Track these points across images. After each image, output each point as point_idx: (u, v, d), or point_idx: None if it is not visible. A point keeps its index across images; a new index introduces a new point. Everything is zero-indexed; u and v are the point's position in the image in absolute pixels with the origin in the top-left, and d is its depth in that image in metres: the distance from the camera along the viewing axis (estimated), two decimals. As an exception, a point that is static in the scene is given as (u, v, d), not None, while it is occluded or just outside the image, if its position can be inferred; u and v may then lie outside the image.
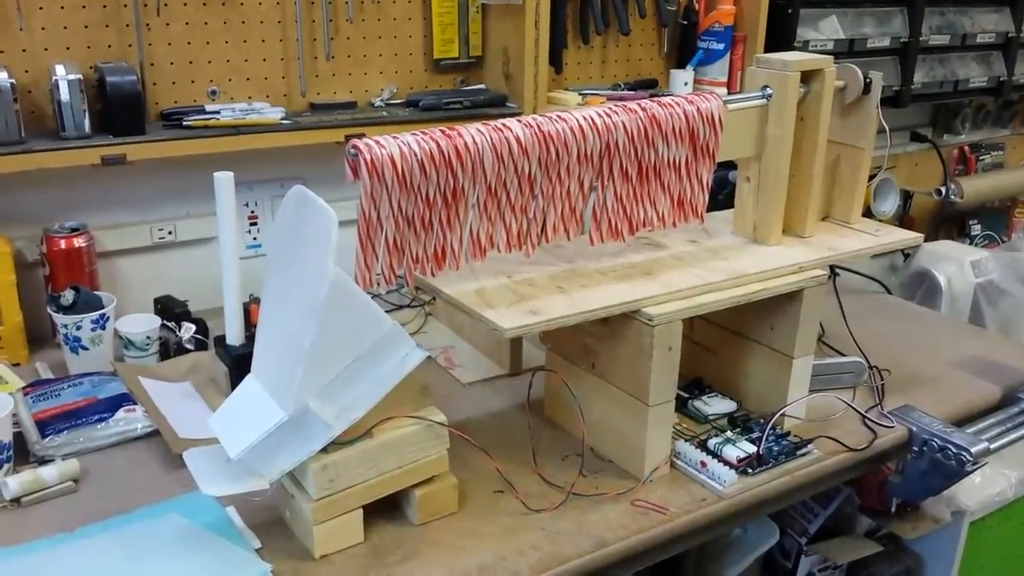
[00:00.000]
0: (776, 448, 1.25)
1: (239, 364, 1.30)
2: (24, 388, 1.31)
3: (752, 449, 1.22)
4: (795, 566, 1.86)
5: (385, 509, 1.08)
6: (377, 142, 1.05)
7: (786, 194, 1.36)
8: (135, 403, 1.28)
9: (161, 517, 1.06)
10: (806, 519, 1.85)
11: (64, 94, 1.44)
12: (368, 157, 1.04)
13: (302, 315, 0.97)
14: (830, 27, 2.26)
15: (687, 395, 1.34)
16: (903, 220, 2.74)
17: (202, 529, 1.04)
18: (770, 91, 1.30)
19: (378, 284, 1.11)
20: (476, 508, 1.13)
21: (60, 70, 1.45)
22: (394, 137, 1.07)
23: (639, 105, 1.21)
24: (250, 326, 1.37)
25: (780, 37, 2.15)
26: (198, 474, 0.99)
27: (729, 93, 1.60)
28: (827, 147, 1.36)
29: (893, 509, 1.73)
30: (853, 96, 1.41)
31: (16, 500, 1.10)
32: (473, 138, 1.10)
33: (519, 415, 1.36)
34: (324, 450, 1.00)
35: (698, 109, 1.25)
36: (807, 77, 1.32)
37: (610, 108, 1.19)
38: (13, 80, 1.40)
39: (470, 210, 1.13)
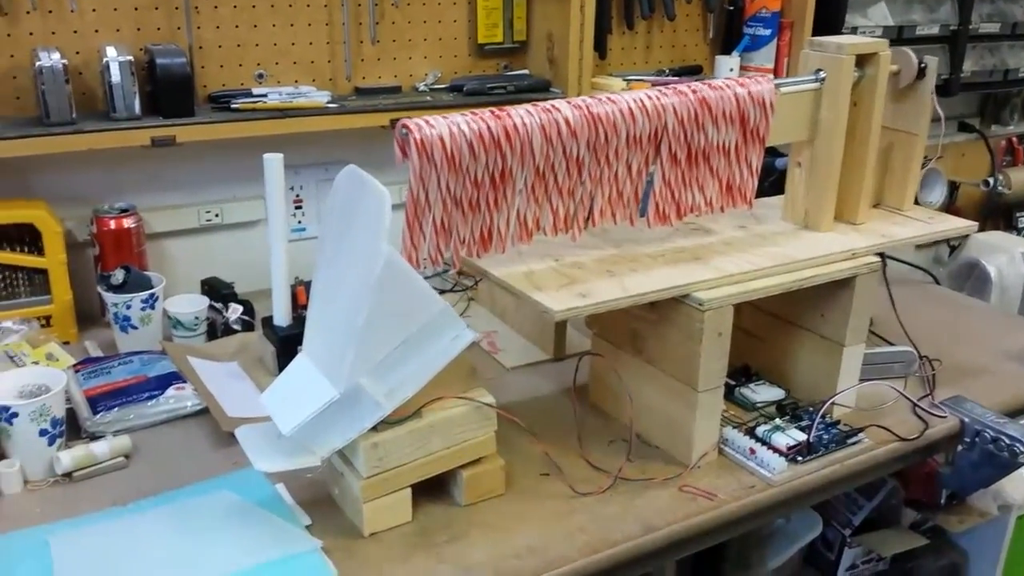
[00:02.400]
0: (826, 436, 1.23)
1: (286, 344, 1.31)
2: (75, 365, 1.32)
3: (802, 437, 1.21)
4: (838, 558, 1.83)
5: (432, 490, 1.08)
6: (427, 122, 1.05)
7: (838, 180, 1.33)
8: (184, 381, 1.30)
9: (212, 493, 1.07)
10: (850, 510, 1.82)
11: (115, 75, 1.45)
12: (418, 137, 1.04)
13: (354, 294, 0.97)
14: (879, 13, 2.22)
15: (734, 382, 1.32)
16: (949, 211, 2.67)
17: (253, 505, 1.05)
18: (823, 74, 1.28)
19: (424, 266, 1.10)
20: (523, 491, 1.13)
21: (111, 51, 1.46)
22: (444, 117, 1.06)
23: (689, 87, 1.20)
24: (297, 307, 1.38)
25: (828, 23, 2.11)
26: (250, 450, 1.00)
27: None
28: (880, 133, 1.34)
29: (943, 501, 1.70)
30: (907, 81, 1.39)
31: (68, 475, 1.11)
32: (523, 119, 1.09)
33: (564, 400, 1.35)
34: (374, 429, 1.00)
35: (749, 92, 1.23)
36: (861, 61, 1.29)
37: (660, 90, 1.18)
38: (65, 61, 1.42)
39: (517, 192, 1.13)
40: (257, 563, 0.95)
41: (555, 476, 1.15)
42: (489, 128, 1.07)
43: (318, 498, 1.08)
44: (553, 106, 1.11)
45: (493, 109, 1.09)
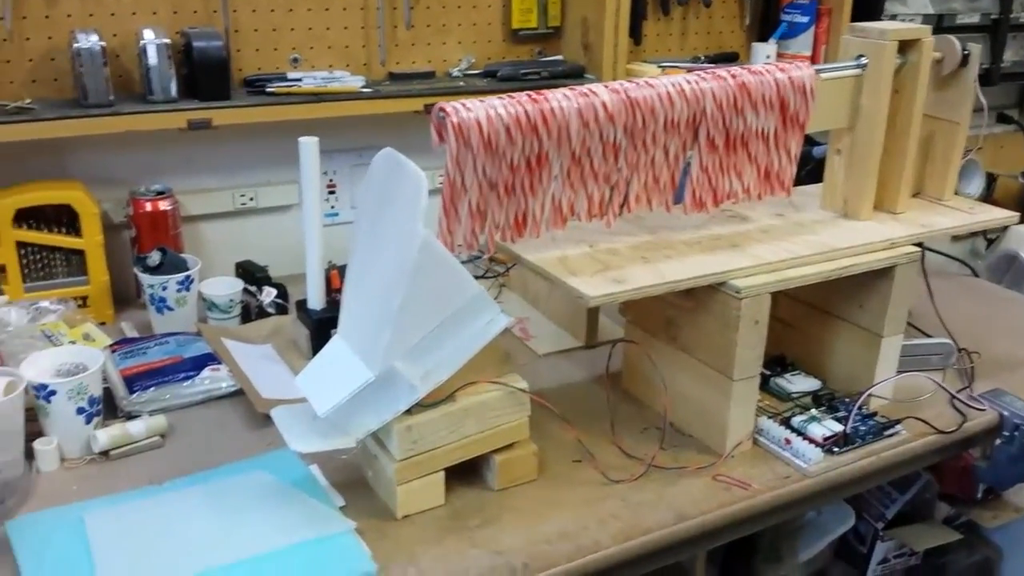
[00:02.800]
0: (863, 428, 1.22)
1: (320, 328, 1.32)
2: (111, 346, 1.33)
3: (838, 428, 1.19)
4: (870, 551, 1.81)
5: (465, 474, 1.08)
6: (464, 106, 1.04)
7: (878, 168, 1.31)
8: (219, 363, 1.30)
9: (247, 473, 1.08)
10: (883, 504, 1.80)
11: (152, 58, 1.46)
12: (455, 120, 1.03)
13: (390, 276, 0.97)
14: (918, 1, 2.19)
15: (769, 372, 1.31)
16: (987, 203, 2.64)
17: (288, 485, 1.05)
18: (865, 60, 1.26)
19: (459, 251, 1.10)
20: (555, 476, 1.12)
21: (148, 34, 1.47)
22: (481, 101, 1.06)
23: (728, 72, 1.18)
24: (331, 291, 1.39)
25: (866, 10, 2.08)
26: (286, 431, 1.00)
27: (818, 64, 1.55)
28: (921, 121, 1.32)
29: (979, 495, 1.67)
30: (950, 69, 1.36)
31: (105, 453, 1.12)
32: (560, 103, 1.08)
33: (596, 387, 1.34)
34: (408, 411, 1.00)
35: (789, 77, 1.21)
36: (904, 47, 1.27)
37: (699, 74, 1.16)
38: (103, 43, 1.43)
39: (553, 177, 1.12)
40: (291, 543, 0.96)
41: (587, 463, 1.15)
42: (526, 112, 1.06)
43: (351, 480, 1.08)
44: (590, 90, 1.10)
45: (530, 93, 1.08)
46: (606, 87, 1.11)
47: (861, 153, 1.30)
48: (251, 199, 1.72)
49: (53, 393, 1.08)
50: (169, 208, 1.55)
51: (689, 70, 1.95)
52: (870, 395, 1.26)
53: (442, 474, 1.05)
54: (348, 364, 1.00)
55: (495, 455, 1.08)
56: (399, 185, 1.00)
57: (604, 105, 1.10)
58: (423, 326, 0.99)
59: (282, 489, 1.04)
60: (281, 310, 1.50)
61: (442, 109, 1.04)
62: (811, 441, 1.18)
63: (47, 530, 0.97)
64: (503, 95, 1.07)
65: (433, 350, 1.00)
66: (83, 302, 1.48)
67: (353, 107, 1.62)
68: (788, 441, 1.18)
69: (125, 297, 1.56)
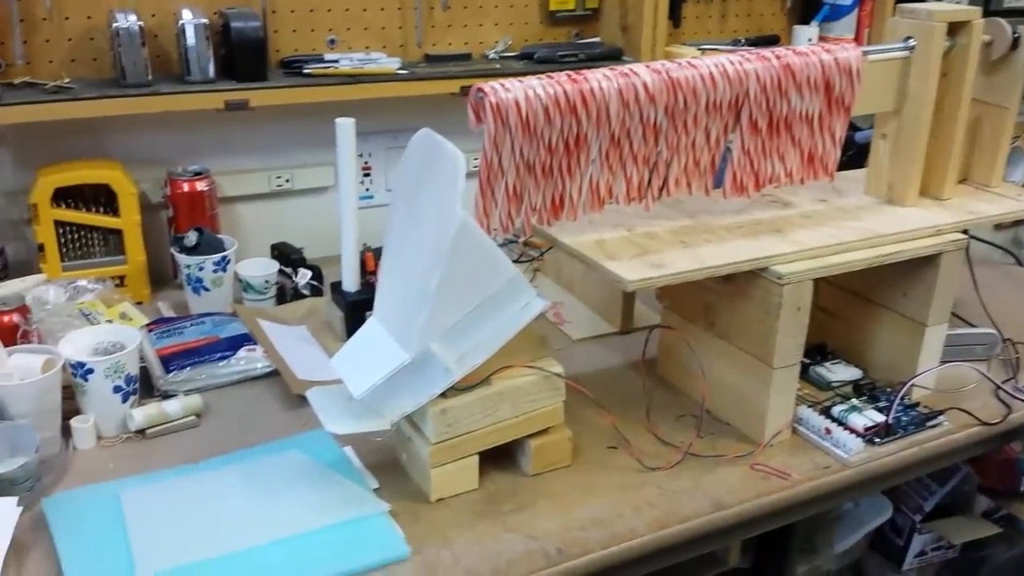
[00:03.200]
0: (905, 418, 1.19)
1: (355, 309, 1.31)
2: (148, 325, 1.34)
3: (880, 418, 1.17)
4: (907, 543, 1.79)
5: (499, 458, 1.07)
6: (503, 85, 1.03)
7: (924, 153, 1.28)
8: (255, 343, 1.30)
9: (282, 453, 1.08)
10: (921, 496, 1.78)
11: (190, 38, 1.46)
12: (493, 100, 1.01)
13: (427, 258, 0.96)
14: (967, -17, 2.13)
15: (809, 361, 1.28)
16: (1034, 192, 2.58)
17: (322, 467, 1.05)
18: (913, 42, 1.23)
19: (495, 233, 1.09)
20: (590, 462, 1.11)
21: (187, 14, 1.47)
22: (519, 81, 1.04)
23: (773, 52, 1.15)
24: (365, 274, 1.38)
25: (913, -7, 2.03)
26: (321, 412, 1.00)
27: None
28: (970, 105, 1.28)
29: (1022, 488, 1.64)
30: (1000, 52, 1.32)
31: (141, 431, 1.13)
32: (600, 83, 1.06)
33: (631, 373, 1.33)
34: (443, 395, 0.99)
35: (835, 59, 1.18)
36: (953, 29, 1.23)
37: (743, 55, 1.14)
38: (141, 23, 1.43)
39: (591, 159, 1.10)
40: (325, 524, 0.96)
41: (623, 449, 1.13)
42: (565, 92, 1.04)
43: (385, 462, 1.08)
44: (631, 70, 1.08)
45: (569, 73, 1.06)
46: (647, 67, 1.09)
47: (907, 137, 1.27)
48: (287, 181, 1.72)
49: (90, 371, 1.09)
50: (206, 189, 1.55)
51: (730, 52, 1.93)
52: (912, 385, 1.23)
53: (476, 458, 1.04)
54: (383, 346, 1.00)
55: (530, 440, 1.07)
56: (436, 166, 0.99)
57: (645, 85, 1.08)
58: (459, 309, 0.98)
59: (317, 470, 1.04)
60: (316, 292, 1.50)
61: (480, 89, 1.02)
62: (852, 431, 1.15)
63: (83, 507, 0.98)
64: (542, 75, 1.06)
65: (469, 333, 0.99)
66: (120, 281, 1.48)
67: (389, 89, 1.61)
68: (828, 431, 1.15)
69: (162, 277, 1.57)
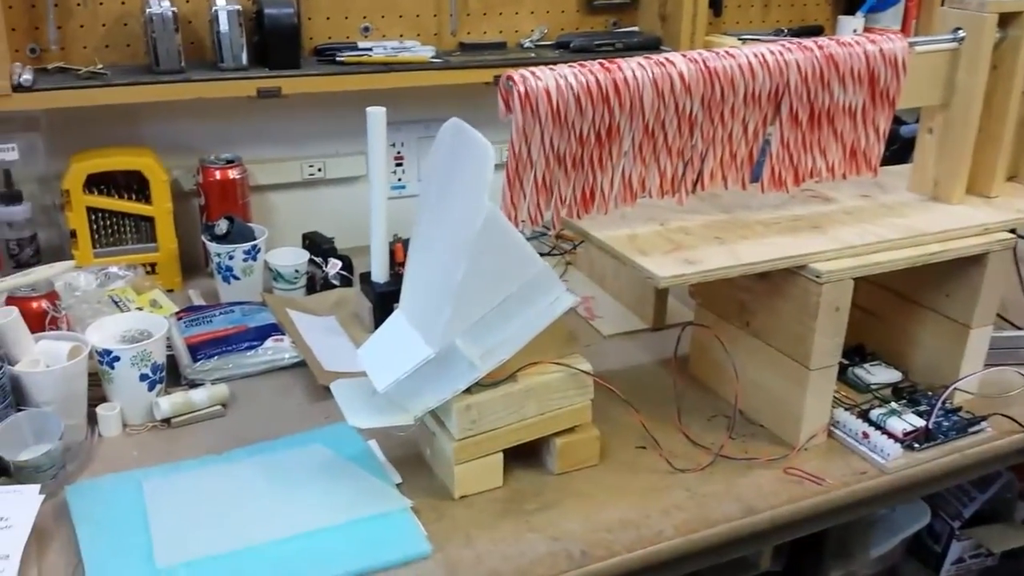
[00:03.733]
0: (946, 423, 1.15)
1: (383, 301, 1.30)
2: (177, 313, 1.34)
3: (920, 423, 1.13)
4: (945, 550, 1.75)
5: (525, 456, 1.05)
6: (533, 74, 1.00)
7: (972, 149, 1.23)
8: (283, 333, 1.30)
9: (306, 446, 1.07)
10: (961, 502, 1.73)
11: (223, 25, 1.45)
12: (523, 89, 0.99)
13: (454, 250, 0.94)
14: (1021, -27, 2.06)
15: (847, 362, 1.25)
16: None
17: (345, 461, 1.04)
18: (963, 34, 1.18)
19: (523, 226, 1.06)
20: (617, 462, 1.09)
21: (220, 0, 1.46)
22: (551, 69, 1.01)
23: (815, 43, 1.12)
24: (395, 264, 1.37)
25: (964, -18, 1.96)
26: (345, 405, 0.99)
27: (911, 37, 1.47)
28: (1021, 100, 1.23)
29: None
30: (1055, 43, 1.27)
31: (167, 420, 1.12)
32: (633, 72, 1.03)
33: (662, 371, 1.30)
34: (468, 390, 0.97)
35: (881, 50, 1.14)
36: (1005, 20, 1.18)
37: (784, 45, 1.10)
38: (175, 9, 1.42)
39: (624, 151, 1.07)
40: (347, 520, 0.94)
41: (652, 449, 1.11)
42: (598, 81, 1.01)
43: (409, 457, 1.07)
44: (667, 59, 1.05)
45: (603, 61, 1.03)
46: (684, 56, 1.06)
47: (955, 132, 1.22)
48: (319, 170, 1.71)
49: (117, 359, 1.09)
50: (238, 177, 1.54)
51: (770, 43, 1.88)
52: (954, 389, 1.19)
53: (501, 455, 1.02)
54: (408, 340, 0.98)
55: (556, 438, 1.05)
56: (465, 156, 0.97)
57: (681, 75, 1.05)
58: (486, 303, 0.96)
59: (339, 464, 1.03)
60: (346, 282, 1.49)
61: (510, 77, 1.00)
62: (890, 436, 1.12)
63: (105, 496, 0.97)
64: (574, 64, 1.03)
65: (495, 328, 0.97)
66: (151, 269, 1.49)
67: (422, 77, 1.59)
68: (866, 435, 1.12)
69: (193, 265, 1.57)
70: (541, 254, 1.64)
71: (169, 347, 1.21)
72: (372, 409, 0.98)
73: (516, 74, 0.99)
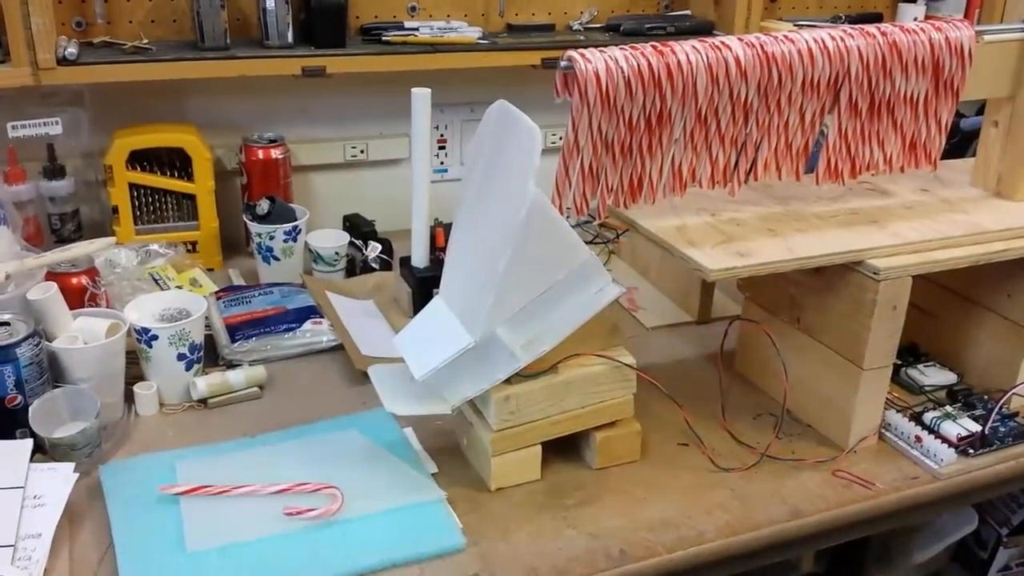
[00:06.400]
0: (1003, 429, 1.11)
1: (423, 286, 1.28)
2: (217, 292, 1.33)
3: (975, 428, 1.09)
4: (991, 557, 1.69)
5: (564, 450, 1.02)
6: (583, 56, 0.97)
7: (1040, 144, 1.18)
8: (321, 316, 1.28)
9: (341, 431, 1.05)
10: (1010, 508, 1.68)
11: (270, 2, 1.44)
12: (573, 71, 0.96)
13: (497, 237, 0.91)
14: (1094, -40, 1.98)
15: (900, 362, 1.20)
16: None
17: (381, 448, 1.02)
18: (1035, 22, 1.13)
19: (569, 214, 1.03)
20: (659, 459, 1.06)
21: (267, -22, 1.44)
22: (601, 51, 0.98)
23: (878, 29, 1.07)
24: (435, 249, 1.34)
25: (1033, -31, 1.89)
26: (382, 391, 0.97)
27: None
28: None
29: None
30: None
31: (203, 401, 1.11)
32: (687, 56, 0.99)
33: (707, 366, 1.26)
34: (508, 381, 0.95)
35: (946, 38, 1.09)
36: (1081, 8, 1.13)
37: (845, 30, 1.06)
38: (222, -15, 1.41)
39: (674, 138, 1.04)
40: (380, 509, 0.92)
41: (695, 447, 1.08)
42: (650, 64, 0.98)
43: (446, 446, 1.05)
44: (723, 43, 1.01)
45: (656, 44, 1.00)
46: (741, 40, 1.02)
47: (1022, 126, 1.17)
48: (362, 151, 1.69)
49: (155, 338, 1.08)
50: (280, 156, 1.53)
51: (830, 28, 1.83)
52: (1013, 394, 1.14)
53: (539, 448, 0.99)
54: (448, 327, 0.96)
55: (596, 432, 1.02)
56: (512, 140, 0.94)
57: (737, 59, 1.01)
58: (528, 292, 0.93)
59: (375, 451, 1.01)
60: (385, 266, 1.47)
61: (570, 58, 0.96)
62: (944, 440, 1.07)
63: (139, 477, 0.96)
64: (625, 46, 0.99)
65: (538, 317, 0.94)
66: (192, 247, 1.48)
67: (469, 59, 1.56)
68: (919, 439, 1.08)
69: (234, 244, 1.56)
70: (584, 243, 1.63)
71: (208, 327, 1.20)
72: (410, 396, 0.96)
73: (575, 53, 0.96)
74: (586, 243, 1.59)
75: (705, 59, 1.00)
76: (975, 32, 1.11)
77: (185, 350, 1.10)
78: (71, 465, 0.93)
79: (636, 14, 1.76)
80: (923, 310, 1.25)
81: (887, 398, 1.11)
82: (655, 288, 1.50)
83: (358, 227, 1.52)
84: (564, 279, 0.94)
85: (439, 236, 1.37)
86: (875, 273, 1.01)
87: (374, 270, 1.46)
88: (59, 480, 0.90)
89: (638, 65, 0.97)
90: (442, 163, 1.76)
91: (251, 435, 1.05)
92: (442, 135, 1.75)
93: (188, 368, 1.11)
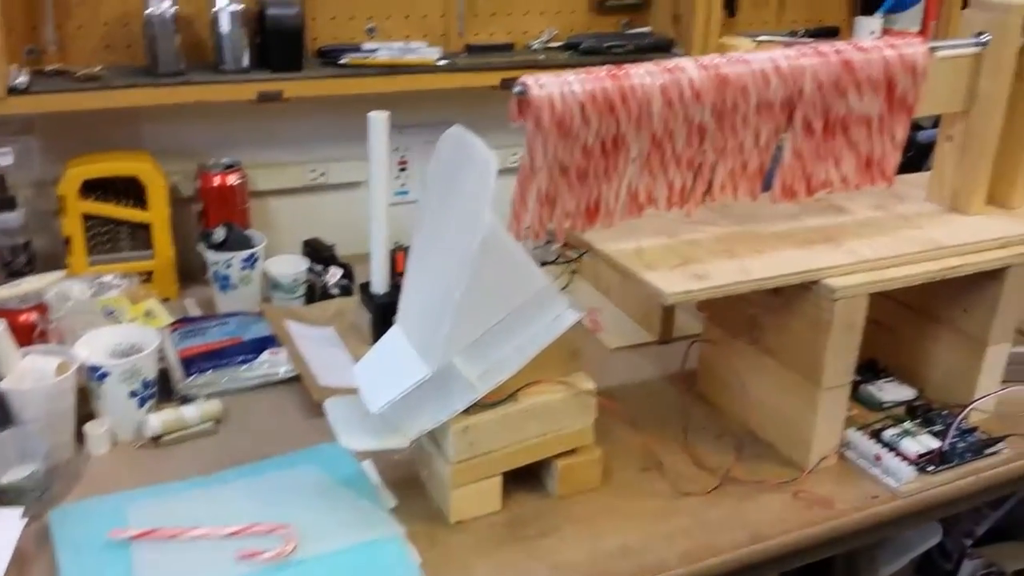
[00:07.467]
0: (962, 445, 1.11)
1: (382, 312, 1.27)
2: (172, 324, 1.30)
3: (935, 444, 1.09)
4: (955, 569, 1.70)
5: (524, 479, 1.01)
6: (537, 81, 0.96)
7: (993, 158, 1.19)
8: (279, 346, 1.26)
9: (297, 467, 1.03)
10: (973, 520, 1.69)
11: (224, 25, 1.42)
12: (527, 98, 0.95)
13: (452, 265, 0.90)
14: (1045, -28, 2.00)
15: (859, 378, 1.21)
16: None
17: (338, 483, 1.00)
18: (986, 38, 1.13)
19: (526, 237, 1.03)
20: (620, 485, 1.05)
21: (222, 1, 1.42)
22: (556, 76, 0.97)
23: (832, 48, 1.07)
24: (395, 274, 1.33)
25: (986, -18, 1.91)
26: (337, 426, 0.95)
27: (930, 41, 1.42)
28: (1045, 107, 1.19)
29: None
30: (1081, 49, 1.22)
31: (157, 438, 1.09)
32: (642, 80, 0.99)
33: (668, 387, 1.26)
34: (466, 411, 0.94)
35: (899, 55, 1.09)
36: (1031, 24, 1.14)
37: (799, 50, 1.06)
38: (176, 9, 1.39)
39: (631, 161, 1.03)
40: (336, 549, 0.90)
41: (657, 471, 1.07)
42: (604, 90, 0.98)
43: (406, 477, 1.03)
44: (677, 66, 1.01)
45: (611, 68, 0.99)
46: (696, 62, 1.02)
47: (975, 141, 1.18)
48: (322, 174, 1.67)
49: (106, 375, 1.06)
50: (237, 182, 1.51)
51: (786, 45, 1.84)
52: (971, 409, 1.15)
53: (499, 479, 0.98)
54: (405, 357, 0.95)
55: (557, 460, 1.01)
56: (467, 167, 0.93)
57: (691, 82, 1.00)
58: (485, 320, 0.92)
59: (331, 487, 1.00)
60: (346, 291, 1.45)
61: (524, 83, 0.95)
62: (904, 458, 1.08)
63: (89, 520, 0.94)
64: (580, 70, 0.99)
65: (495, 346, 0.93)
66: (148, 277, 1.45)
67: (427, 80, 1.55)
68: (878, 457, 1.08)
69: (192, 273, 1.53)
70: (546, 263, 1.62)
71: (162, 360, 1.18)
72: (366, 430, 0.95)
73: (530, 79, 0.95)
74: (548, 263, 1.60)
75: (660, 83, 0.99)
76: (928, 48, 1.12)
77: (137, 387, 1.08)
78: (19, 510, 0.90)
79: (596, 32, 1.76)
80: (882, 325, 1.25)
81: (847, 416, 1.11)
82: (618, 308, 1.50)
83: (318, 252, 1.51)
84: (521, 307, 0.93)
85: (400, 260, 1.36)
86: (831, 292, 1.01)
87: (334, 296, 1.44)
88: (6, 526, 0.88)
89: (593, 90, 0.97)
90: (403, 185, 1.75)
91: (205, 473, 1.03)
92: (403, 156, 1.74)
93: (141, 405, 1.09)
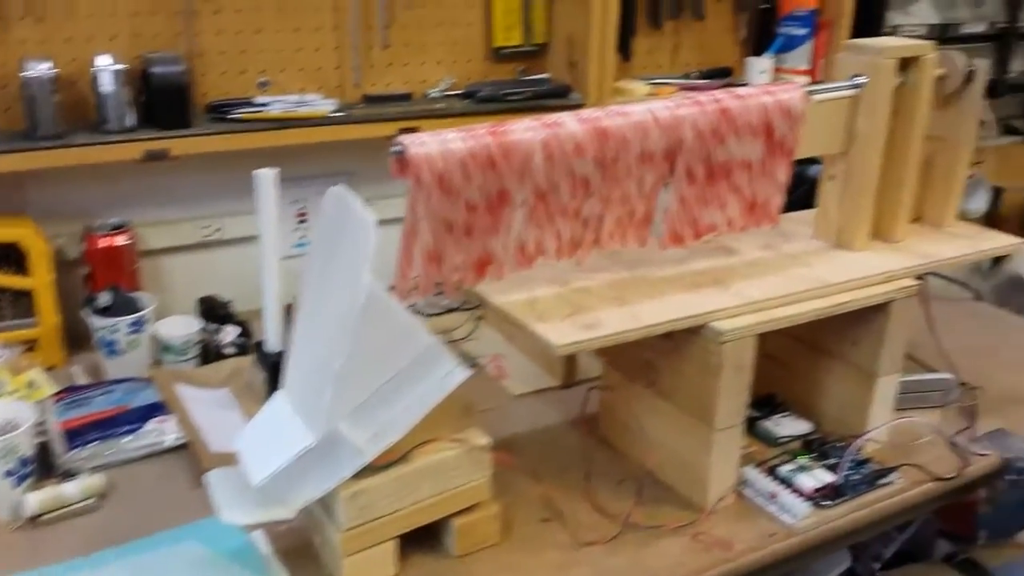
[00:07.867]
0: (855, 477, 1.13)
1: (277, 371, 1.23)
2: (56, 394, 1.25)
3: (829, 478, 1.11)
4: (866, 593, 1.72)
5: (422, 539, 1.00)
6: (416, 140, 0.96)
7: (875, 194, 1.23)
8: (168, 412, 1.22)
9: (181, 543, 1.00)
10: (880, 543, 1.71)
11: (106, 85, 1.39)
12: (406, 157, 0.95)
13: (335, 329, 0.89)
14: (922, 11, 2.10)
15: (757, 414, 1.22)
16: (993, 219, 2.54)
17: (225, 558, 0.97)
18: (861, 80, 1.17)
19: (416, 294, 1.02)
20: (521, 539, 1.04)
21: (102, 60, 1.39)
22: (436, 134, 0.98)
23: (711, 96, 1.10)
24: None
25: (868, 22, 2.00)
26: (220, 499, 0.92)
27: (812, 83, 1.47)
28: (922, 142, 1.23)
29: (982, 541, 1.58)
30: (953, 87, 1.28)
31: (35, 518, 1.04)
32: (522, 136, 1.00)
33: (571, 432, 1.26)
34: (356, 475, 0.92)
35: (776, 100, 1.13)
36: (904, 65, 1.18)
37: (677, 101, 1.08)
38: (56, 71, 1.35)
39: (516, 215, 1.04)
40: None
41: (558, 521, 1.06)
42: (486, 146, 0.98)
43: (299, 545, 1.00)
44: (557, 120, 1.02)
45: (491, 125, 1.00)
46: (575, 116, 1.03)
47: (856, 179, 1.21)
48: (217, 230, 1.64)
49: (-22, 455, 1.01)
50: (126, 243, 1.47)
51: (681, 87, 1.88)
52: (865, 440, 1.17)
53: (394, 542, 0.96)
54: (289, 425, 0.93)
55: (454, 518, 0.99)
56: (347, 229, 0.92)
57: (571, 136, 1.02)
58: (371, 383, 0.90)
59: (218, 564, 0.96)
60: (243, 350, 1.42)
61: (399, 142, 0.95)
62: (799, 493, 1.09)
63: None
64: (461, 127, 0.99)
65: (382, 409, 0.91)
66: (32, 345, 1.39)
67: (321, 133, 1.54)
68: (774, 495, 1.09)
69: (80, 338, 1.46)
70: (449, 310, 1.61)
71: (44, 433, 1.13)
72: (250, 501, 0.92)
73: (406, 139, 0.95)
74: (451, 311, 1.59)
75: (540, 137, 1.00)
76: (805, 93, 1.15)
77: (13, 465, 1.03)
78: None
79: (493, 80, 1.77)
80: (778, 360, 1.28)
81: (745, 452, 1.13)
82: (521, 354, 1.49)
83: (214, 309, 1.47)
84: (408, 367, 0.92)
85: (297, 317, 1.33)
86: (719, 335, 1.02)
87: (229, 355, 1.41)
88: None
89: (473, 147, 0.97)
90: (302, 237, 1.73)
91: (84, 555, 0.98)
92: (302, 208, 1.71)
93: (17, 484, 1.04)
